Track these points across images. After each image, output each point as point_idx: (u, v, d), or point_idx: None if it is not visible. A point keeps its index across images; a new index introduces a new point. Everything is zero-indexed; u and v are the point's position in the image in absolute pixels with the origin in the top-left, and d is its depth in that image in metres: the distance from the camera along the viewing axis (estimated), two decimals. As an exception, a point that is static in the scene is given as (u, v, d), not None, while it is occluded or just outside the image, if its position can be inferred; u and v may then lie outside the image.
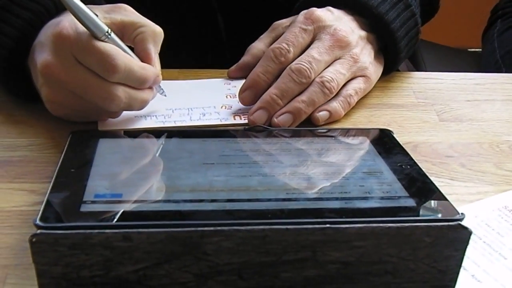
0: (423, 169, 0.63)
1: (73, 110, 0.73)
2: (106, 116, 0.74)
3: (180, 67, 0.91)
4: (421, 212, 0.56)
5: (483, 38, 1.45)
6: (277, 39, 0.82)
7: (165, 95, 0.78)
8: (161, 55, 0.76)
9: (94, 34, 0.68)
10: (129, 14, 0.74)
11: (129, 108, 0.73)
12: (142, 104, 0.74)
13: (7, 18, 0.76)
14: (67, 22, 0.69)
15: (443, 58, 1.61)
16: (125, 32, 0.73)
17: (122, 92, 0.70)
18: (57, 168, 0.60)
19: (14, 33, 0.75)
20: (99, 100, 0.70)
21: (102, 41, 0.69)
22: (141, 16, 0.75)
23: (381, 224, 0.52)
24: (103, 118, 0.74)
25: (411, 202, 0.57)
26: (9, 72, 0.77)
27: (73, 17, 0.68)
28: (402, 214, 0.55)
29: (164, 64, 0.79)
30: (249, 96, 0.78)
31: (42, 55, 0.71)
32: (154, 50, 0.74)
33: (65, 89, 0.70)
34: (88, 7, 0.68)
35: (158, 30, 0.74)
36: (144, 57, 0.73)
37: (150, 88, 0.74)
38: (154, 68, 0.73)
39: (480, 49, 1.47)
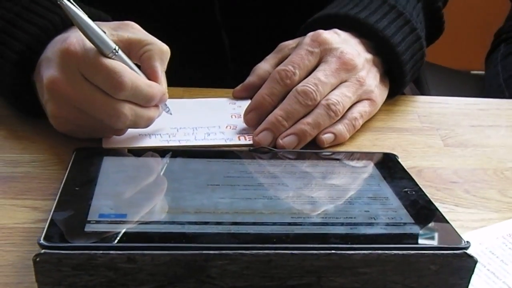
0: (427, 195, 0.63)
1: (78, 126, 0.73)
2: (111, 133, 0.74)
3: (184, 85, 0.90)
4: (426, 240, 0.55)
5: (486, 61, 1.45)
6: (283, 60, 0.82)
7: (170, 113, 0.77)
8: (166, 72, 0.76)
9: (101, 51, 0.68)
10: (136, 31, 0.74)
11: (135, 125, 0.72)
12: (148, 122, 0.73)
13: (14, 33, 0.76)
14: (74, 38, 0.69)
15: (446, 80, 1.61)
16: (132, 50, 0.73)
17: (128, 109, 0.70)
18: (61, 186, 0.60)
19: (20, 48, 0.75)
20: (105, 117, 0.70)
21: (109, 58, 0.69)
22: (148, 34, 0.74)
23: (386, 251, 0.52)
24: (108, 135, 0.74)
25: (416, 229, 0.57)
26: (14, 86, 0.77)
27: (80, 33, 0.68)
28: (407, 241, 0.55)
29: (168, 82, 0.79)
30: (254, 118, 0.78)
31: (48, 70, 0.71)
32: (161, 68, 0.73)
33: (70, 105, 0.70)
34: (95, 24, 0.68)
35: (165, 48, 0.74)
36: (150, 75, 0.73)
37: (156, 106, 0.74)
38: (160, 86, 0.73)
39: (483, 72, 1.47)
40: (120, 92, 0.68)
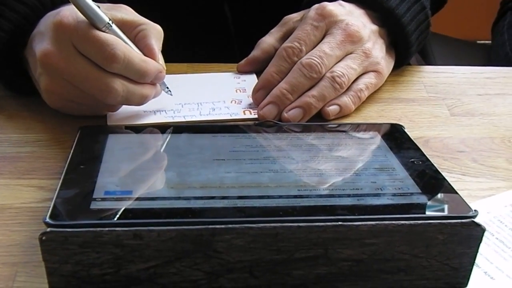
0: (434, 165, 0.62)
1: (71, 102, 0.72)
2: (104, 110, 0.74)
3: (188, 61, 0.90)
4: (433, 209, 0.55)
5: (492, 30, 1.44)
6: (287, 34, 0.82)
7: (170, 94, 0.77)
8: (169, 49, 0.76)
9: (95, 24, 0.68)
10: (129, 13, 0.74)
11: (127, 102, 0.72)
12: (142, 100, 0.73)
13: (3, 13, 0.76)
14: (67, 11, 0.69)
15: (452, 50, 1.60)
16: (126, 31, 0.72)
17: (120, 85, 0.69)
18: (66, 164, 0.60)
19: (9, 27, 0.75)
20: (96, 91, 0.69)
21: (103, 31, 0.68)
22: (141, 16, 0.74)
23: (393, 222, 0.52)
24: (101, 112, 0.74)
25: (423, 199, 0.56)
26: (5, 65, 0.77)
27: (73, 7, 0.68)
28: (414, 211, 0.55)
29: (172, 58, 0.79)
30: (263, 96, 0.77)
31: (41, 44, 0.70)
32: (156, 46, 0.73)
33: (63, 79, 0.70)
34: None
35: (159, 28, 0.74)
36: (147, 53, 0.72)
37: (153, 84, 0.74)
38: (156, 63, 0.72)
39: (490, 41, 1.46)
40: (112, 64, 0.68)
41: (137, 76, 0.71)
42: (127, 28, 0.72)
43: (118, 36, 0.70)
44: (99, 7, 0.69)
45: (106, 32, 0.69)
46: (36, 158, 0.68)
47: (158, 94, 0.76)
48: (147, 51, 0.72)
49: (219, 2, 1.00)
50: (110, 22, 0.69)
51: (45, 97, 0.73)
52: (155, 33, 0.73)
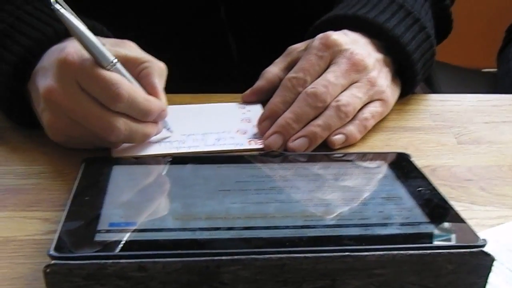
0: (442, 194, 0.62)
1: (73, 138, 0.72)
2: (105, 146, 0.73)
3: (192, 91, 0.90)
4: (442, 239, 0.55)
5: (498, 58, 1.44)
6: (292, 64, 0.82)
7: (171, 131, 0.77)
8: (173, 79, 0.76)
9: (99, 62, 0.68)
10: (133, 50, 0.74)
11: (130, 140, 0.72)
12: (144, 138, 0.73)
13: (7, 45, 0.76)
14: (72, 48, 0.69)
15: (457, 79, 1.60)
16: (129, 67, 0.72)
17: (122, 123, 0.69)
18: (71, 196, 0.60)
19: (13, 60, 0.75)
20: (99, 129, 0.69)
21: (108, 70, 0.68)
22: (145, 53, 0.74)
23: (401, 251, 0.52)
24: (102, 147, 0.73)
25: (431, 228, 0.56)
26: (8, 98, 0.77)
27: (78, 43, 0.68)
28: (423, 241, 0.54)
29: (176, 89, 0.79)
30: (268, 126, 0.77)
31: (45, 80, 0.70)
32: (160, 84, 0.73)
33: (66, 116, 0.70)
34: (94, 35, 0.68)
35: (163, 65, 0.74)
36: (150, 91, 0.72)
37: (155, 122, 0.73)
38: (159, 101, 0.72)
39: (495, 69, 1.46)
40: (117, 103, 0.68)
41: (141, 115, 0.71)
42: (131, 65, 0.72)
43: (122, 74, 0.70)
44: (104, 44, 0.69)
45: (111, 71, 0.68)
46: (40, 190, 0.68)
47: (160, 132, 0.75)
48: (150, 89, 0.72)
49: (223, 32, 1.00)
50: (115, 61, 0.69)
51: (48, 132, 0.73)
52: (158, 71, 0.73)
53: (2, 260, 0.57)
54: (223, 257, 0.50)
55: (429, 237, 0.55)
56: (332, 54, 0.79)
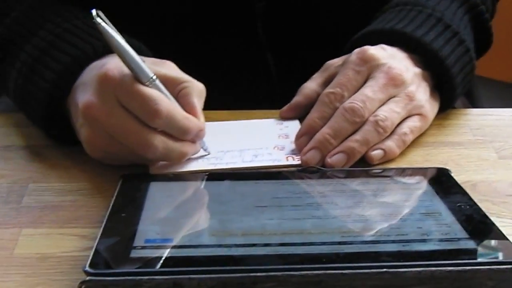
0: (483, 209, 0.61)
1: (111, 154, 0.72)
2: (142, 163, 0.73)
3: (230, 108, 0.90)
4: (482, 255, 0.54)
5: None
6: (329, 79, 0.81)
7: (208, 152, 0.76)
8: (211, 96, 0.76)
9: (139, 78, 0.68)
10: (172, 69, 0.74)
11: (166, 158, 0.72)
12: (180, 157, 0.72)
13: (47, 63, 0.76)
14: (113, 64, 0.69)
15: (498, 93, 1.59)
16: (169, 87, 0.72)
17: (160, 141, 0.69)
18: (108, 212, 0.60)
19: (52, 77, 0.75)
20: (136, 146, 0.69)
21: (147, 86, 0.68)
22: (184, 73, 0.74)
23: (440, 268, 0.51)
24: (140, 163, 0.73)
25: (471, 244, 0.55)
26: (47, 115, 0.77)
27: (118, 60, 0.68)
28: (462, 257, 0.53)
29: (214, 106, 0.79)
30: (306, 142, 0.76)
31: (84, 95, 0.71)
32: (199, 104, 0.73)
33: (104, 132, 0.70)
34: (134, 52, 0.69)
35: (202, 86, 0.74)
36: (188, 110, 0.72)
37: (192, 141, 0.73)
38: (197, 121, 0.72)
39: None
40: (155, 120, 0.68)
41: (179, 133, 0.71)
42: (170, 84, 0.72)
43: (161, 91, 0.70)
44: (144, 61, 0.69)
45: (150, 87, 0.69)
46: (78, 207, 0.68)
47: (197, 152, 0.75)
48: (189, 109, 0.72)
49: (261, 48, 1.00)
50: (154, 77, 0.69)
51: (86, 147, 0.73)
52: (197, 91, 0.73)
53: (40, 276, 0.57)
54: (259, 274, 0.50)
55: (469, 253, 0.54)
56: (370, 68, 0.78)
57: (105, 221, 0.58)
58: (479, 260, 0.53)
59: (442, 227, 0.58)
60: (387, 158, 0.76)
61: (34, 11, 0.82)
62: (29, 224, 0.64)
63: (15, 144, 0.81)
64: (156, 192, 0.65)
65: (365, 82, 0.79)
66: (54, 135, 0.79)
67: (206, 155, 0.76)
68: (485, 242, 0.56)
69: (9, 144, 0.80)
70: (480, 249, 0.54)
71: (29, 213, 0.66)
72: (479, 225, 0.59)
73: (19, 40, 0.81)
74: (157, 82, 0.70)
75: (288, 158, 0.76)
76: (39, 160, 0.77)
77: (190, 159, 0.75)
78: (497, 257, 0.54)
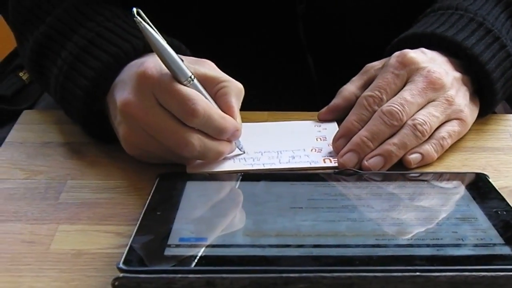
0: (520, 215, 0.61)
1: (148, 152, 0.73)
2: (179, 162, 0.73)
3: (269, 109, 0.90)
4: (517, 261, 0.53)
5: None
6: (369, 82, 0.81)
7: (244, 151, 0.77)
8: (251, 97, 0.76)
9: (177, 77, 0.69)
10: (212, 69, 0.75)
11: (203, 157, 0.72)
12: (217, 156, 0.73)
13: (86, 61, 0.77)
14: (152, 63, 0.70)
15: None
16: (207, 86, 0.72)
17: (197, 139, 0.69)
18: (143, 210, 0.61)
19: (91, 75, 0.76)
20: (173, 144, 0.70)
21: (185, 85, 0.69)
22: (223, 73, 0.75)
23: (474, 273, 0.51)
24: (177, 162, 0.74)
25: (507, 250, 0.55)
26: (85, 112, 0.78)
27: (157, 58, 0.69)
28: (497, 263, 0.53)
29: (254, 107, 0.79)
30: (343, 144, 0.76)
31: (123, 93, 0.71)
32: (236, 104, 0.73)
33: (141, 129, 0.70)
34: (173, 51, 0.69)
35: (241, 86, 0.74)
36: (226, 110, 0.72)
37: (229, 141, 0.74)
38: (234, 121, 0.72)
39: None
40: (193, 119, 0.68)
41: (215, 133, 0.71)
42: (209, 83, 0.73)
43: (199, 90, 0.70)
44: (182, 60, 0.70)
45: (188, 86, 0.69)
46: (114, 204, 0.68)
47: (233, 151, 0.75)
48: (226, 109, 0.73)
49: (301, 51, 1.00)
50: (192, 77, 0.70)
51: (123, 145, 0.74)
52: (236, 91, 0.74)
53: (74, 272, 0.57)
54: (291, 274, 0.50)
55: (504, 259, 0.53)
56: (409, 72, 0.78)
57: (140, 218, 0.59)
58: (514, 266, 0.53)
59: (478, 232, 0.57)
60: (425, 162, 0.76)
61: (75, 10, 0.83)
62: (66, 220, 0.65)
63: (54, 141, 0.81)
64: (192, 191, 0.65)
65: (404, 85, 0.78)
66: (92, 132, 0.80)
67: (241, 154, 0.76)
68: (521, 248, 0.55)
69: (49, 141, 0.81)
70: (515, 255, 0.54)
71: (66, 210, 0.67)
72: (515, 231, 0.58)
73: (60, 38, 0.82)
74: (195, 81, 0.70)
75: (325, 160, 0.76)
76: (78, 157, 0.78)
77: (226, 159, 0.75)
78: (532, 264, 0.53)
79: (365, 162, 0.73)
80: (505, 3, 0.89)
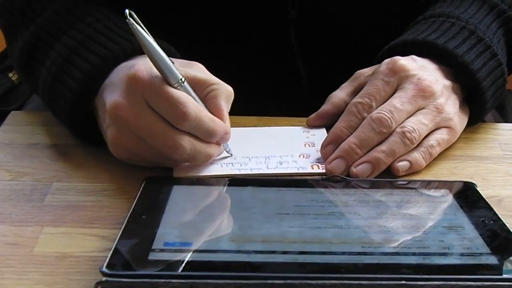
0: (507, 225, 0.60)
1: (137, 155, 0.73)
2: (168, 165, 0.73)
3: (258, 114, 0.90)
4: (503, 270, 0.53)
5: None
6: (358, 88, 0.81)
7: (231, 154, 0.77)
8: (240, 101, 0.76)
9: (168, 80, 0.68)
10: (202, 71, 0.75)
11: (193, 160, 0.72)
12: (206, 159, 0.73)
13: (75, 62, 0.77)
14: (142, 65, 0.70)
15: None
16: (197, 89, 0.72)
17: (187, 142, 0.69)
18: (128, 214, 0.60)
19: (80, 76, 0.76)
20: (163, 147, 0.69)
21: (175, 88, 0.68)
22: (213, 75, 0.74)
23: (460, 282, 0.50)
24: (165, 165, 0.74)
25: (493, 260, 0.54)
26: (74, 114, 0.78)
27: (148, 61, 0.69)
28: (483, 272, 0.53)
29: (243, 111, 0.79)
30: (332, 151, 0.76)
31: (112, 95, 0.71)
32: (226, 107, 0.73)
33: (131, 132, 0.70)
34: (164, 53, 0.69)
35: (230, 89, 0.74)
36: (215, 113, 0.72)
37: (218, 144, 0.74)
38: (223, 124, 0.72)
39: None
40: (184, 122, 0.68)
41: (205, 135, 0.71)
42: (199, 86, 0.73)
43: (189, 93, 0.70)
44: (173, 62, 0.69)
45: (178, 89, 0.69)
46: (101, 207, 0.68)
47: (221, 153, 0.75)
48: (215, 111, 0.72)
49: (292, 56, 1.00)
50: (183, 79, 0.69)
51: (111, 148, 0.73)
52: (226, 94, 0.73)
53: (58, 275, 0.57)
54: (276, 281, 0.49)
55: (490, 268, 0.53)
56: (399, 79, 0.78)
57: (125, 222, 0.58)
58: (500, 276, 0.52)
59: (464, 242, 0.57)
60: (413, 170, 0.76)
61: (66, 11, 0.83)
62: (51, 222, 0.64)
63: (41, 142, 0.81)
64: (179, 195, 0.65)
65: (394, 92, 0.78)
66: (80, 134, 0.80)
67: (229, 157, 0.76)
68: (507, 257, 0.55)
69: (35, 142, 0.81)
70: (501, 265, 0.54)
71: (51, 212, 0.66)
72: (502, 240, 0.58)
73: (50, 39, 0.81)
74: (186, 84, 0.70)
75: (313, 166, 0.76)
76: (64, 159, 0.77)
77: (214, 163, 0.75)
78: (518, 274, 0.53)
79: (353, 169, 0.73)
80: (497, 11, 0.89)
